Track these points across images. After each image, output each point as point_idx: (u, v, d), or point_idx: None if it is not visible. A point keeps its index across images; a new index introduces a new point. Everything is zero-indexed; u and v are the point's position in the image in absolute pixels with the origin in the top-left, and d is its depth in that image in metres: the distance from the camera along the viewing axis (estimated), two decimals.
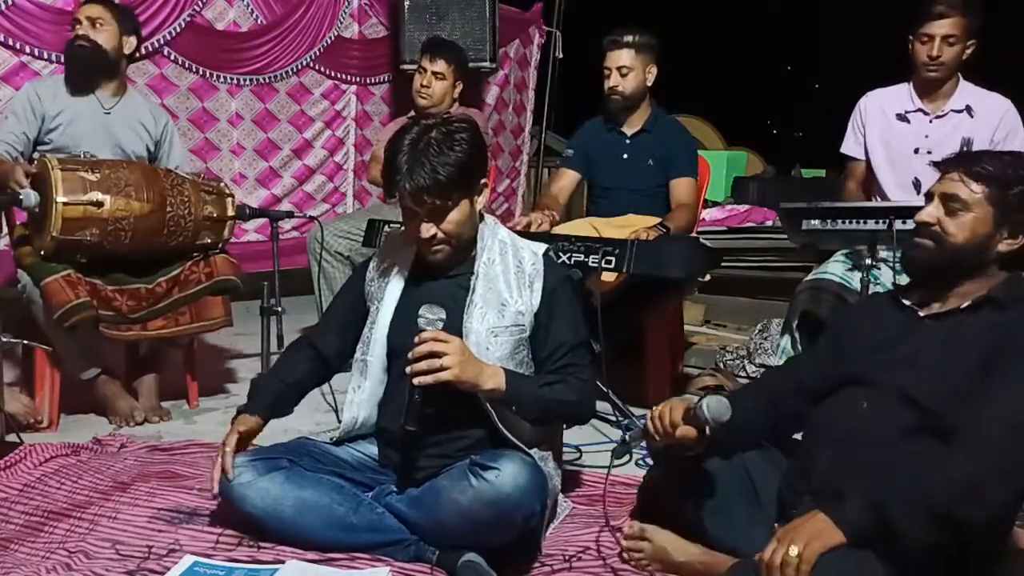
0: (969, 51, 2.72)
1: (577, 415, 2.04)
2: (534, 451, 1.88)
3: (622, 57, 3.18)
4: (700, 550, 1.77)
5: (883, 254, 2.60)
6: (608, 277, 2.84)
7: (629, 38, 3.18)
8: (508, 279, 1.92)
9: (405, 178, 1.78)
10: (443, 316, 1.79)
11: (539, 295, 1.92)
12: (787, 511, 1.65)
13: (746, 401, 1.84)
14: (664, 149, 3.25)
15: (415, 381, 1.73)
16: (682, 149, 3.28)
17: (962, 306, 1.64)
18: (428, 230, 1.84)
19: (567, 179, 3.40)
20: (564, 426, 2.74)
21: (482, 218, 1.97)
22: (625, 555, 1.85)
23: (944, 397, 1.55)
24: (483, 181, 1.91)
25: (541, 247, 2.00)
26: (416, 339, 1.75)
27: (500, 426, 1.84)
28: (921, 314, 1.68)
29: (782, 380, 1.90)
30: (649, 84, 3.24)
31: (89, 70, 2.93)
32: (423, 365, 1.73)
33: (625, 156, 3.30)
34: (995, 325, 1.57)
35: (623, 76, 3.19)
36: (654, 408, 1.78)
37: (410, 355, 1.75)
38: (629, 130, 3.30)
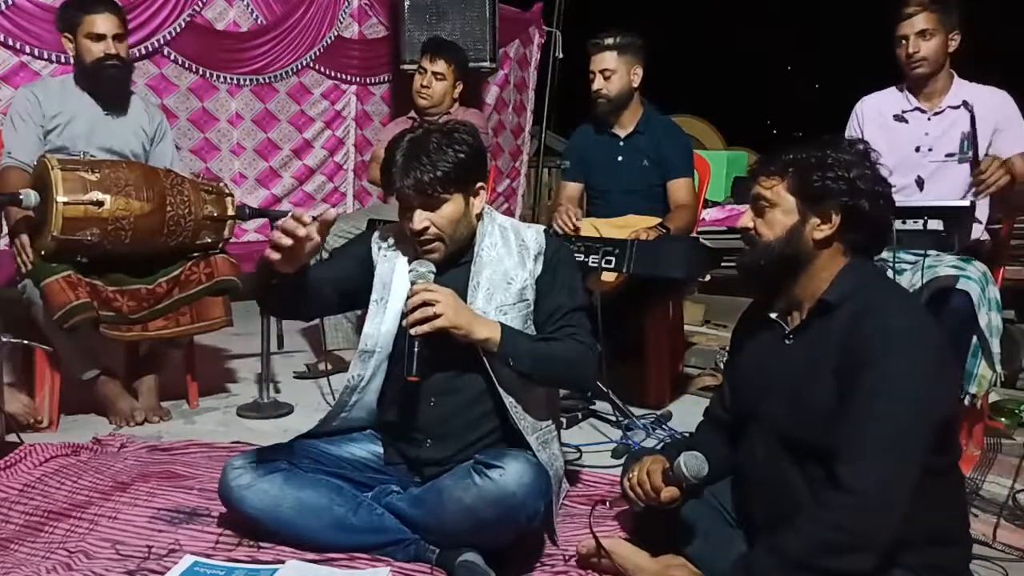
0: (954, 43, 2.73)
1: (576, 375, 1.99)
2: (545, 424, 1.90)
3: (605, 60, 3.19)
4: (661, 565, 1.75)
5: (884, 254, 2.60)
6: (608, 277, 2.84)
7: (610, 40, 3.19)
8: (512, 257, 1.94)
9: (401, 170, 1.81)
10: (433, 269, 1.84)
11: (542, 264, 1.95)
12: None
13: (707, 436, 1.86)
14: (658, 150, 3.24)
15: (412, 331, 1.76)
16: (677, 149, 3.27)
17: (803, 316, 1.61)
18: (421, 221, 1.85)
19: (571, 191, 3.40)
20: (564, 425, 2.75)
21: (480, 219, 1.97)
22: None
23: (813, 426, 1.51)
24: (480, 184, 1.93)
25: (541, 227, 2.04)
26: (408, 291, 1.79)
27: (507, 396, 1.85)
28: (786, 330, 1.64)
29: (722, 409, 1.87)
30: (635, 85, 3.24)
31: (124, 87, 2.97)
32: (417, 315, 1.76)
33: (620, 158, 3.30)
34: (833, 335, 1.53)
35: (607, 79, 3.20)
36: (629, 475, 1.78)
37: (403, 308, 1.79)
38: (622, 131, 3.30)
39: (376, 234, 2.03)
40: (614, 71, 3.18)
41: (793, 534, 1.46)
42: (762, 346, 1.69)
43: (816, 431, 1.50)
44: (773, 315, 1.66)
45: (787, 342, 1.63)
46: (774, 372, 1.63)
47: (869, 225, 1.59)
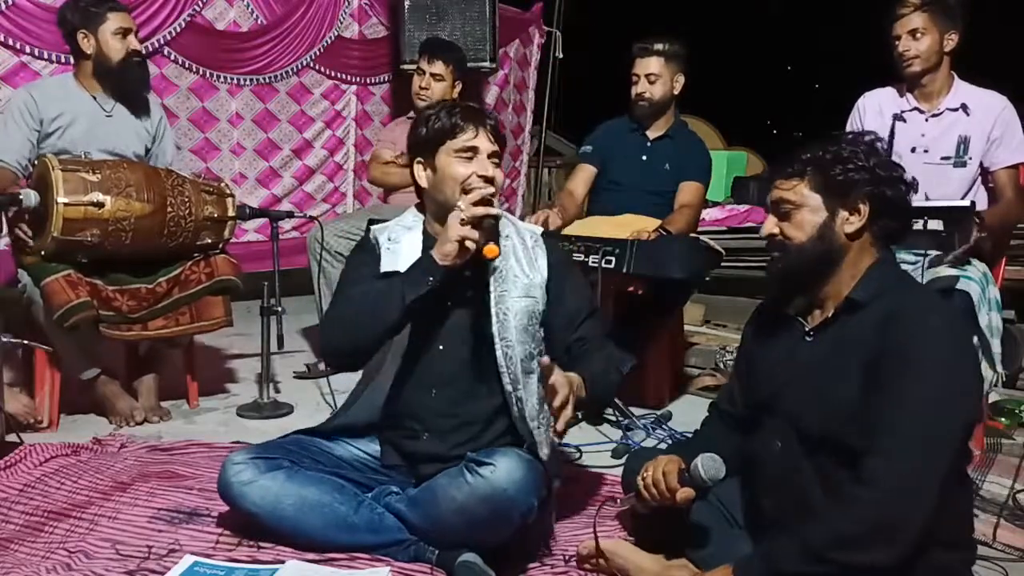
0: (950, 43, 2.71)
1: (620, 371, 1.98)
2: (538, 422, 1.88)
3: (651, 64, 3.24)
4: (662, 566, 1.75)
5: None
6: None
7: (659, 46, 3.25)
8: (518, 254, 1.94)
9: (474, 116, 1.90)
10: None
11: (545, 269, 1.95)
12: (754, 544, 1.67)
13: (713, 433, 1.85)
14: (681, 156, 3.31)
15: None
16: (698, 157, 3.35)
17: (829, 315, 1.60)
18: (495, 168, 1.92)
19: (584, 174, 3.42)
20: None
21: None
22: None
23: (835, 421, 1.51)
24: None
25: (537, 228, 2.05)
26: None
27: (513, 405, 1.86)
28: (806, 327, 1.63)
29: (730, 404, 1.86)
30: (676, 93, 3.31)
31: (145, 83, 3.00)
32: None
33: (644, 157, 3.34)
34: (862, 332, 1.53)
35: (651, 83, 3.26)
36: (644, 474, 1.76)
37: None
38: (652, 134, 3.35)
39: (372, 232, 2.02)
40: (659, 76, 3.25)
41: (818, 525, 1.46)
42: (778, 343, 1.69)
43: (838, 426, 1.50)
44: (791, 312, 1.66)
45: (807, 339, 1.63)
46: (793, 368, 1.62)
47: (895, 210, 1.60)
